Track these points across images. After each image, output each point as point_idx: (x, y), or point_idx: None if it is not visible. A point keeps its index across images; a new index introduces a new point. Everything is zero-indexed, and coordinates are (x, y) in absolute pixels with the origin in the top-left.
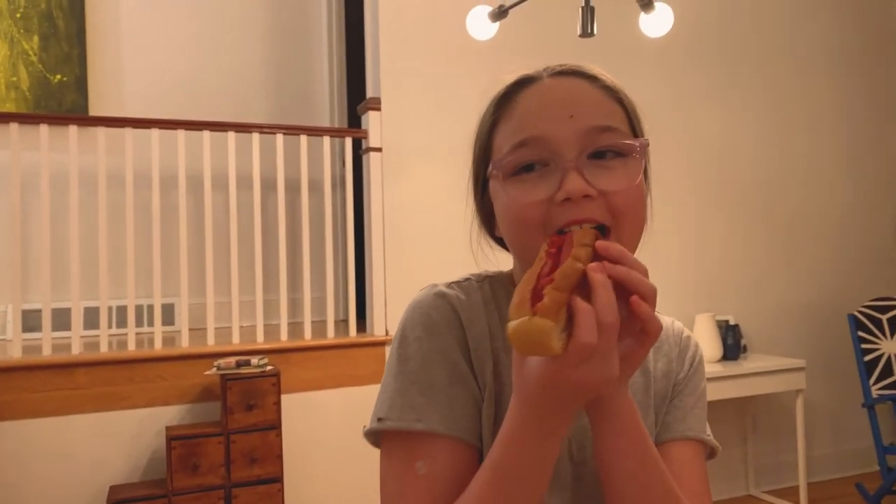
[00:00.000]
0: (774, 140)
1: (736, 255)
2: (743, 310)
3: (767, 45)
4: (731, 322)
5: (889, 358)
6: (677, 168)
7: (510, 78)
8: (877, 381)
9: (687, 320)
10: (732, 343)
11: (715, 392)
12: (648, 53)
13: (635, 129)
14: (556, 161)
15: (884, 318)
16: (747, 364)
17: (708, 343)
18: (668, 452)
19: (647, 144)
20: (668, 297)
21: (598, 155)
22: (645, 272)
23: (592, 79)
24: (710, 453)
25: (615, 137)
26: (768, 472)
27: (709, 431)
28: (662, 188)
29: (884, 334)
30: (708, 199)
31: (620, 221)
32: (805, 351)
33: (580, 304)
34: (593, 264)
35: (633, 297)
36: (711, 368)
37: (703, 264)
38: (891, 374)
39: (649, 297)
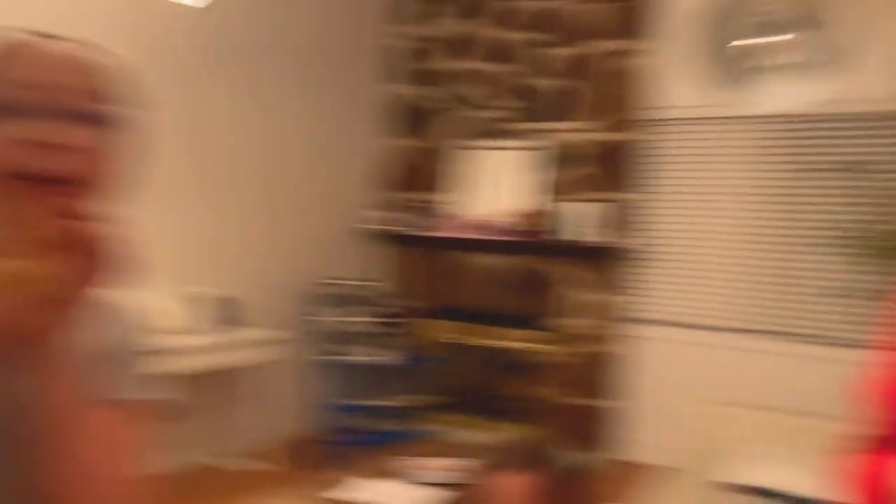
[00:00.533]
0: (257, 129)
1: (229, 234)
2: (236, 283)
3: (245, 33)
4: (223, 295)
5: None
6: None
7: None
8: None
9: (173, 294)
10: (224, 315)
11: (198, 363)
12: None
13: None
14: None
15: (335, 293)
16: (237, 335)
17: (194, 315)
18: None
19: None
20: (165, 270)
21: None
22: None
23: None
24: (167, 413)
25: None
26: (245, 436)
27: (151, 394)
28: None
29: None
30: (204, 179)
31: None
32: (287, 323)
33: None
34: None
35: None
36: (199, 340)
37: (198, 240)
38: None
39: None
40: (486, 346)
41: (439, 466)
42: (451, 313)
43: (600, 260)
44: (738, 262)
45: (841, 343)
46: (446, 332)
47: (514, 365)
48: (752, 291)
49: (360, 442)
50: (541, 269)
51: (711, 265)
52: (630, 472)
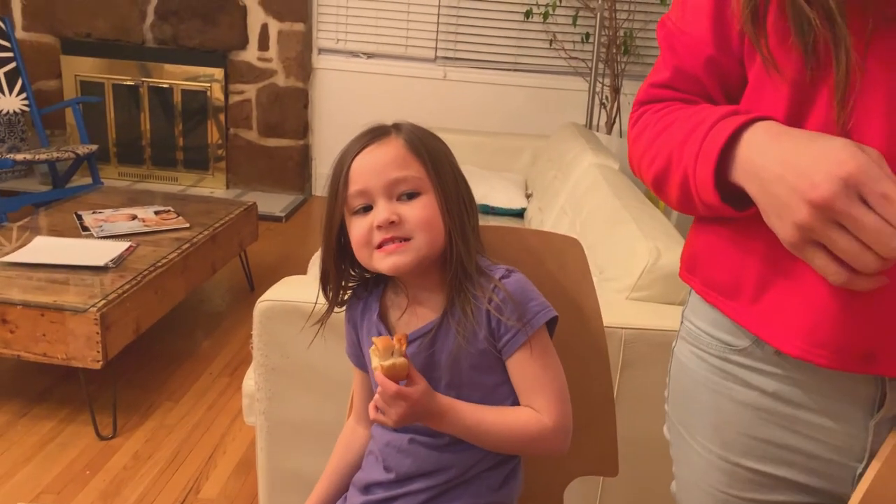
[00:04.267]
0: None
1: None
2: None
3: None
4: None
5: None
6: None
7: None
8: None
9: None
10: None
11: None
12: None
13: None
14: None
15: None
16: None
17: None
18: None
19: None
20: None
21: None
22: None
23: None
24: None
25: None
26: None
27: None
28: None
29: None
30: None
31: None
32: None
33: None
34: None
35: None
36: None
37: None
38: None
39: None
40: (151, 85)
41: (118, 218)
42: (92, 47)
43: None
44: None
45: (524, 69)
46: (88, 69)
47: (187, 107)
48: (441, 21)
49: (24, 202)
50: None
51: None
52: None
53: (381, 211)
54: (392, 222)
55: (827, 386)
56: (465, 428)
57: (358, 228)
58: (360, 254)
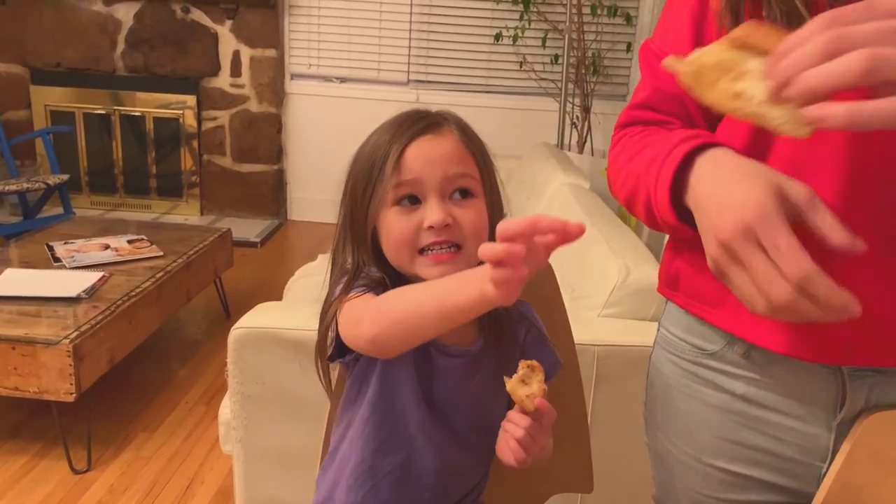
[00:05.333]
0: None
1: None
2: None
3: None
4: None
5: None
6: None
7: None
8: None
9: None
10: None
11: None
12: None
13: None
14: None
15: None
16: None
17: None
18: None
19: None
20: None
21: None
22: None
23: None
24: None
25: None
26: None
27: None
28: None
29: None
30: None
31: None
32: None
33: None
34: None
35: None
36: None
37: None
38: None
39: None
40: (123, 113)
41: (90, 248)
42: (62, 76)
43: (253, 9)
44: (396, 14)
45: (495, 90)
46: (58, 99)
47: (160, 134)
48: (413, 44)
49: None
50: (179, 20)
51: (368, 16)
52: (305, 231)
53: (435, 210)
54: (447, 225)
55: (792, 387)
56: None
57: (400, 224)
58: (399, 253)
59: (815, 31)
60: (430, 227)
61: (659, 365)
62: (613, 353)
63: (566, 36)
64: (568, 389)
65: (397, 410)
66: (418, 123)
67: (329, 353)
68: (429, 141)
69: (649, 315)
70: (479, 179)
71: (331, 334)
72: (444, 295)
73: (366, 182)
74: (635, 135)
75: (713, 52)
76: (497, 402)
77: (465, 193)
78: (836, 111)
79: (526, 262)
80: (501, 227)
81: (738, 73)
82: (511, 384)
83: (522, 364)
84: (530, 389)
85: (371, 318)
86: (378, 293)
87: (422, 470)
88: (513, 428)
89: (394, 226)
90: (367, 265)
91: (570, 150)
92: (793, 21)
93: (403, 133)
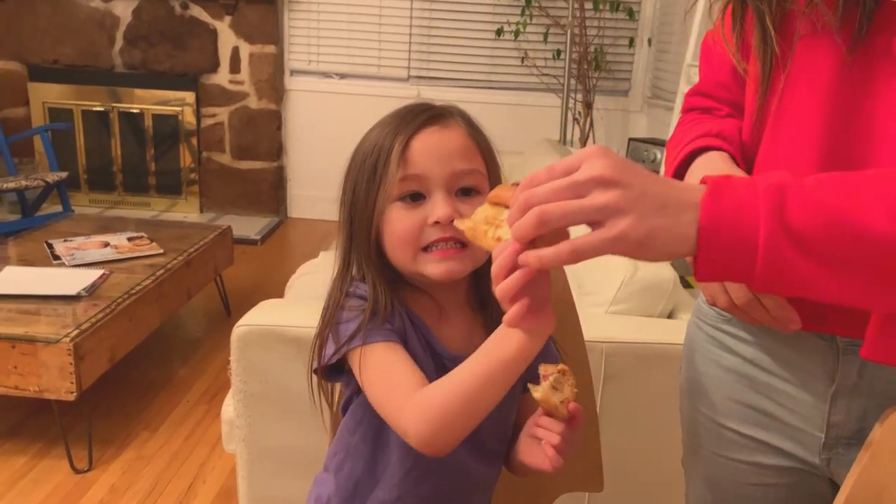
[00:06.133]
0: None
1: None
2: None
3: None
4: None
5: None
6: None
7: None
8: None
9: None
10: None
11: None
12: None
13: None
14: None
15: None
16: None
17: None
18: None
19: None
20: None
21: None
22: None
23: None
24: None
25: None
26: None
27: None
28: None
29: None
30: None
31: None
32: None
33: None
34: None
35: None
36: None
37: None
38: None
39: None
40: (122, 110)
41: (89, 245)
42: (60, 73)
43: (253, 5)
44: (396, 9)
45: (497, 86)
46: (56, 96)
47: (159, 131)
48: (413, 40)
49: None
50: (178, 16)
51: (368, 12)
52: (307, 229)
53: (442, 206)
54: (453, 221)
55: (791, 355)
56: None
57: (403, 220)
58: (401, 251)
59: (518, 192)
60: (436, 223)
61: (689, 330)
62: (621, 349)
63: (568, 31)
64: (578, 387)
65: None
66: (423, 115)
67: (325, 368)
68: (435, 133)
69: (657, 311)
70: (486, 175)
71: (327, 351)
72: (487, 357)
73: (368, 177)
74: (685, 123)
75: (482, 210)
76: (509, 407)
77: (471, 191)
78: (527, 257)
79: (528, 293)
80: (500, 292)
81: (497, 223)
82: (543, 392)
83: (552, 368)
84: (563, 395)
85: (414, 416)
86: (375, 322)
87: (450, 491)
88: (548, 435)
89: (397, 222)
90: (367, 266)
91: (572, 145)
92: (765, 30)
93: (408, 125)
